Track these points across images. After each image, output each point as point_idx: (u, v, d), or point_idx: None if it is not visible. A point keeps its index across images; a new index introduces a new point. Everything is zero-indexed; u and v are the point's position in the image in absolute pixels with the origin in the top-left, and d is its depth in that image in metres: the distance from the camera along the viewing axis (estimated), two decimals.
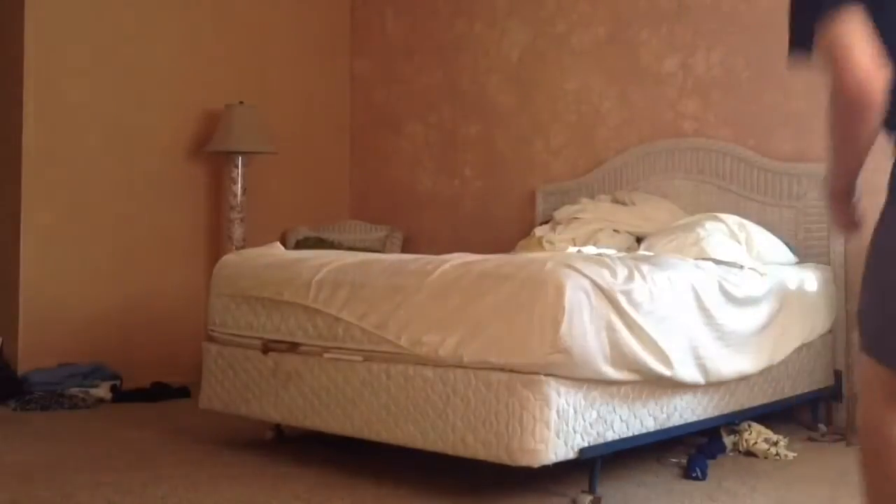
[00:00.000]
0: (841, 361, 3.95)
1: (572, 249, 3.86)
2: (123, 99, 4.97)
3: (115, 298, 4.90)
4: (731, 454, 3.45)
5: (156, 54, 5.09)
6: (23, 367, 4.56)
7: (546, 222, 4.58)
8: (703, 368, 3.05)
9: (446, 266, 2.85)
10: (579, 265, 2.67)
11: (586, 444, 2.66)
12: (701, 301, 3.07)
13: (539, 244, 4.25)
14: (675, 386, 2.97)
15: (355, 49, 6.03)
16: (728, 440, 3.49)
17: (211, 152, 5.17)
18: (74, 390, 4.46)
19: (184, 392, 4.61)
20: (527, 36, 5.19)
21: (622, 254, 3.52)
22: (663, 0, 4.66)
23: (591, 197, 4.59)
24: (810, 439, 3.71)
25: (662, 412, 2.96)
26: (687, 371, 2.97)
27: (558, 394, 2.56)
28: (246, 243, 4.98)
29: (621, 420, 2.79)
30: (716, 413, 3.24)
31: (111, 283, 4.90)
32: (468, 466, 2.81)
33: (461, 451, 2.69)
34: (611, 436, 2.75)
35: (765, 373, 3.46)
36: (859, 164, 1.55)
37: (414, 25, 5.74)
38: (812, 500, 2.88)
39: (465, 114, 5.47)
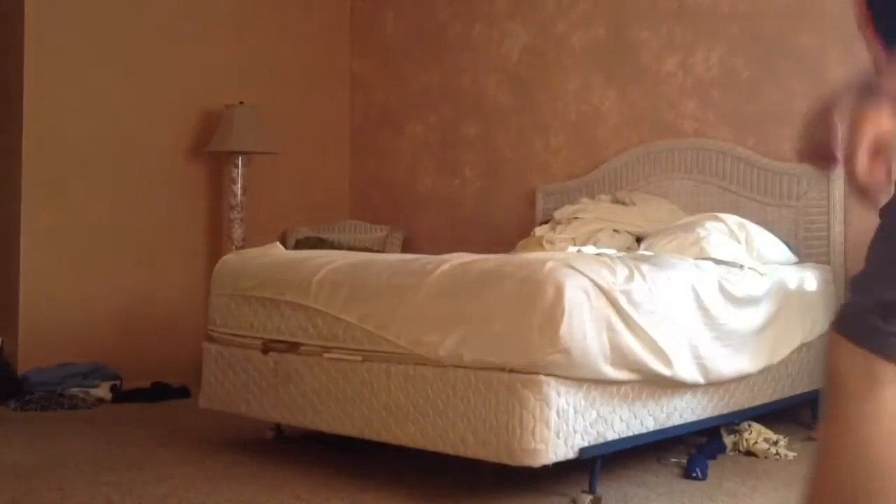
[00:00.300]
0: None
1: (572, 249, 3.86)
2: (123, 99, 4.98)
3: (115, 298, 4.90)
4: (731, 454, 3.45)
5: (156, 54, 5.10)
6: (23, 367, 4.57)
7: (546, 222, 4.57)
8: (703, 368, 3.05)
9: (446, 266, 2.85)
10: (579, 265, 2.67)
11: (586, 444, 2.65)
12: (701, 301, 3.07)
13: (539, 244, 4.24)
14: (674, 386, 2.97)
15: (355, 49, 6.03)
16: (728, 440, 3.49)
17: (211, 152, 5.17)
18: (74, 390, 4.46)
19: (184, 392, 4.61)
20: (527, 36, 5.19)
21: (622, 254, 3.51)
22: (663, 0, 4.66)
23: (591, 197, 4.59)
24: (810, 439, 3.71)
25: (662, 412, 2.96)
26: (687, 371, 2.97)
27: (558, 394, 2.56)
28: (246, 243, 4.98)
29: (621, 420, 2.79)
30: (716, 413, 3.24)
31: (111, 283, 4.90)
32: (468, 466, 2.81)
33: (461, 451, 2.68)
34: (611, 436, 2.75)
35: (765, 372, 3.45)
36: None
37: (414, 25, 5.74)
38: None
39: (464, 114, 5.47)
